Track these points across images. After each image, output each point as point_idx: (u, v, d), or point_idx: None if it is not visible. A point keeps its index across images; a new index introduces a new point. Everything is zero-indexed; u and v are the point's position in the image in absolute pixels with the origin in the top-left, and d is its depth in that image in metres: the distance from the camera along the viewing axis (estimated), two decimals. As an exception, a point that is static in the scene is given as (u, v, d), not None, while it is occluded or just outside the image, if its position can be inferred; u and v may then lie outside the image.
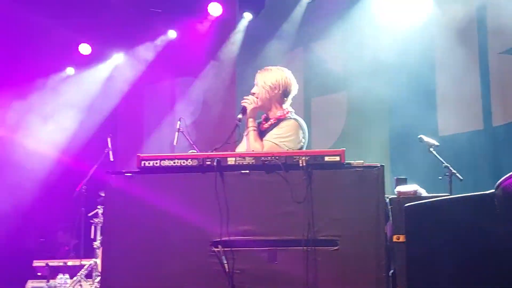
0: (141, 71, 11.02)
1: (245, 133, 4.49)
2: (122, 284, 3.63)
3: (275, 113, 4.56)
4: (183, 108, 10.52)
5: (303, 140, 4.45)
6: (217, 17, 10.11)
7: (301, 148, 4.41)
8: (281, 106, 4.56)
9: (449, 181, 6.02)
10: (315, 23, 9.08)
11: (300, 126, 4.46)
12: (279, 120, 4.50)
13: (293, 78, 4.61)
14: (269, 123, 4.54)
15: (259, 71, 4.63)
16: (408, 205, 3.53)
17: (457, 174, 6.01)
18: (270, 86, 4.52)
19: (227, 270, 3.50)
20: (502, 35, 7.41)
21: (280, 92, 4.53)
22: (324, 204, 3.55)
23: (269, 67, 4.64)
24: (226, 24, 10.18)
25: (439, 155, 6.19)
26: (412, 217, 3.55)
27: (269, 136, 4.40)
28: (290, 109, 4.60)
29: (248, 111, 4.48)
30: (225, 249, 3.54)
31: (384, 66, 8.18)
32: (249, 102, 4.50)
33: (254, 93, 4.56)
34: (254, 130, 4.44)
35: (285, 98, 4.57)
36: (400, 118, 8.19)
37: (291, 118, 4.50)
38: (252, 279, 3.51)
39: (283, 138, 4.34)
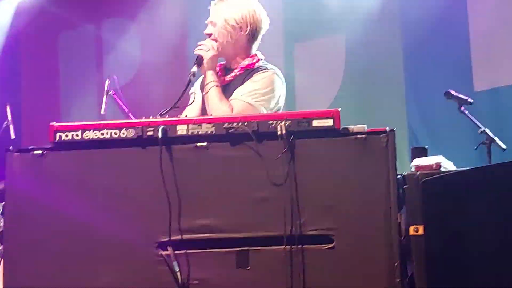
0: (52, 12, 10.97)
1: (204, 91, 4.51)
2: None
3: (240, 60, 4.60)
4: (113, 63, 10.52)
5: (283, 99, 4.51)
6: None
7: (279, 110, 4.46)
8: (248, 52, 4.60)
9: (487, 152, 6.11)
10: None
11: (280, 80, 4.51)
12: (247, 71, 4.55)
13: (264, 11, 4.66)
14: (233, 74, 4.58)
15: (214, 2, 4.65)
16: (427, 179, 3.59)
17: (498, 142, 6.10)
18: (233, 25, 4.57)
19: (180, 280, 3.55)
20: None
21: (248, 32, 4.58)
22: (312, 187, 3.59)
23: None
24: None
25: (473, 116, 6.27)
26: (433, 196, 3.62)
27: (239, 93, 4.44)
28: (260, 55, 4.63)
29: (205, 61, 4.51)
30: (177, 251, 3.58)
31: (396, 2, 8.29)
32: (206, 49, 4.54)
33: (210, 35, 4.58)
34: (217, 86, 4.47)
35: (253, 40, 4.61)
36: (418, 68, 8.30)
37: (266, 69, 4.54)
38: (215, 293, 3.58)
39: (261, 96, 4.40)
